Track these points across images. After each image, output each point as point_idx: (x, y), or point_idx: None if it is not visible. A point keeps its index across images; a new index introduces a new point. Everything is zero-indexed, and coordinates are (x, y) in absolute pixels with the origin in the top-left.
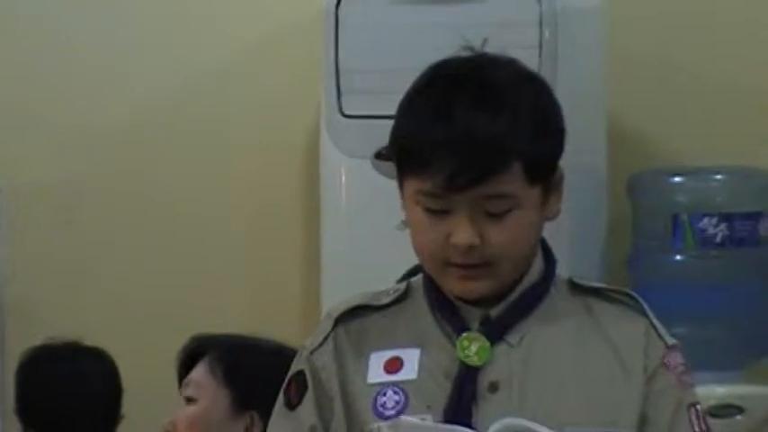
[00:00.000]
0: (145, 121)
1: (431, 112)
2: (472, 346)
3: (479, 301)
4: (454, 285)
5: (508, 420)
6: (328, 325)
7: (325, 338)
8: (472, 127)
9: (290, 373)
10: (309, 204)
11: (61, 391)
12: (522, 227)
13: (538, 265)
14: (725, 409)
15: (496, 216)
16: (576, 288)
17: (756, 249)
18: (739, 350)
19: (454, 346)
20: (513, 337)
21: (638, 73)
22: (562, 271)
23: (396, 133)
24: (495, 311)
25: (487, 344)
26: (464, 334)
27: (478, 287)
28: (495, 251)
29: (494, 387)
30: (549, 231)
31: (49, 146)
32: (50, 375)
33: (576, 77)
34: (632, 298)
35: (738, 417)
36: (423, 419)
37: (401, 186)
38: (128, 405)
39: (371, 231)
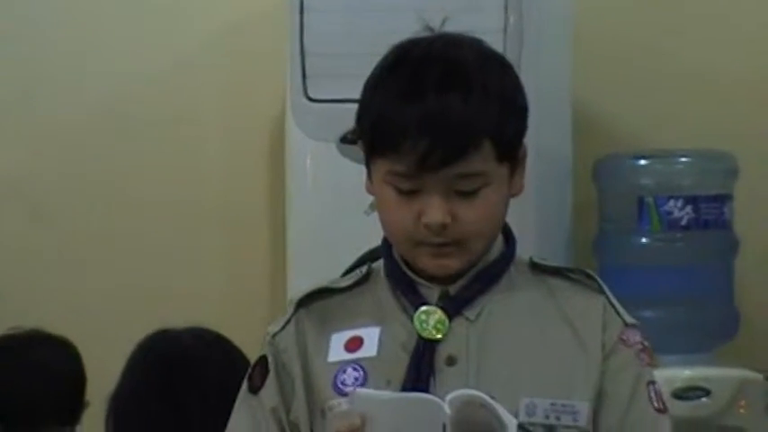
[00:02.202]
0: (111, 112)
1: (401, 92)
2: (430, 320)
3: (445, 278)
4: (426, 263)
5: (463, 392)
6: (290, 309)
7: (287, 321)
8: (443, 107)
9: (254, 360)
10: (275, 188)
11: (24, 379)
12: (492, 204)
13: (498, 243)
14: (691, 392)
15: (467, 194)
16: (535, 267)
17: (722, 232)
18: (705, 333)
19: (413, 321)
20: (471, 312)
21: (603, 57)
22: (528, 254)
23: (364, 114)
24: (453, 288)
25: (445, 317)
26: (422, 308)
27: (450, 264)
28: (466, 229)
29: (451, 360)
30: (515, 214)
31: (16, 139)
32: (13, 364)
33: (541, 61)
34: (590, 277)
35: (704, 399)
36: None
37: (369, 167)
38: (94, 394)
39: (337, 215)
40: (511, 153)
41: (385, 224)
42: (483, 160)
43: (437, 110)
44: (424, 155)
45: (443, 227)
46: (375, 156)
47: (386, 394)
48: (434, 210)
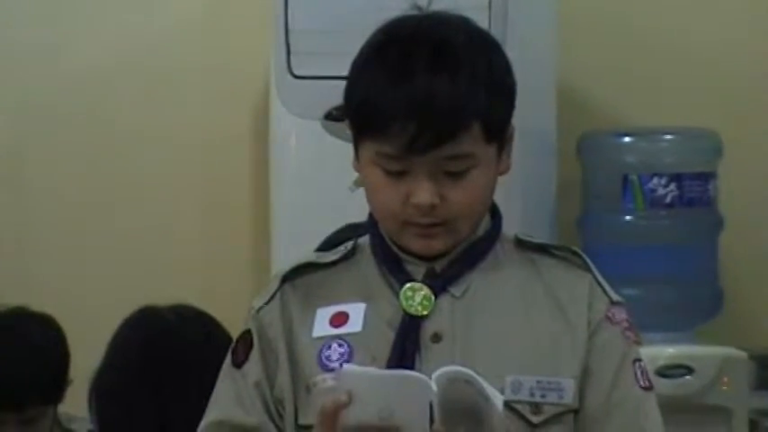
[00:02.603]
0: (90, 88)
1: (389, 74)
2: (416, 296)
3: (431, 256)
4: (413, 243)
5: (449, 368)
6: (275, 283)
7: (272, 296)
8: (432, 89)
9: (238, 334)
10: (259, 165)
11: (8, 357)
12: (480, 185)
13: (484, 220)
14: (675, 370)
15: (455, 175)
16: (521, 244)
17: (706, 210)
18: (689, 311)
19: (398, 297)
20: (456, 289)
21: (587, 34)
22: (513, 231)
23: (352, 96)
24: (439, 265)
25: (431, 294)
26: (408, 284)
27: (437, 244)
28: (454, 210)
29: (437, 337)
30: (500, 193)
31: None
32: None
33: (526, 39)
34: (577, 254)
35: (688, 377)
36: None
37: (357, 147)
38: (76, 370)
39: (322, 192)
40: (499, 134)
41: (372, 204)
42: (472, 142)
43: (426, 92)
44: (412, 137)
45: (432, 207)
46: (363, 137)
47: (373, 371)
48: (423, 191)
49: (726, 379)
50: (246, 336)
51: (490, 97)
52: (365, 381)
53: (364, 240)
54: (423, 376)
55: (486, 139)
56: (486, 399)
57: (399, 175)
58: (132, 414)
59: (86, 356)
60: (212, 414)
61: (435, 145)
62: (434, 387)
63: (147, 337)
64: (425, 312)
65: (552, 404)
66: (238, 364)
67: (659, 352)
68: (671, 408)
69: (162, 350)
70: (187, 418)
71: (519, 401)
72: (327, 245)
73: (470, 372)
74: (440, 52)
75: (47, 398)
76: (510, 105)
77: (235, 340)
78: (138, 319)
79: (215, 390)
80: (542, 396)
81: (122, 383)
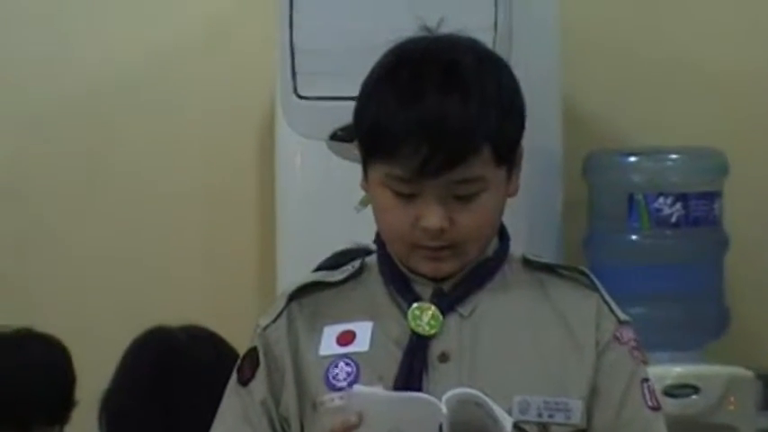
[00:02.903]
0: (94, 101)
1: (399, 96)
2: (423, 316)
3: (441, 278)
4: (421, 266)
5: (459, 390)
6: (282, 301)
7: (279, 314)
8: (443, 112)
9: (244, 352)
10: (265, 185)
11: (14, 378)
12: (490, 208)
13: (493, 240)
14: (681, 389)
15: (465, 198)
16: (529, 264)
17: (712, 229)
18: (695, 330)
19: (406, 317)
20: (464, 309)
21: (593, 53)
22: (520, 251)
23: (362, 117)
24: (447, 284)
25: (439, 314)
26: (415, 304)
27: (445, 267)
28: (463, 233)
29: (444, 357)
30: (507, 212)
31: None
32: (2, 364)
33: (531, 58)
34: (584, 274)
35: (694, 396)
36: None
37: (365, 168)
38: (81, 388)
39: (327, 213)
40: (509, 156)
41: (381, 225)
42: (482, 165)
43: (436, 115)
44: (423, 160)
45: (441, 231)
46: (373, 159)
47: (383, 393)
48: (432, 215)
49: (732, 398)
50: (253, 354)
51: (500, 120)
52: (375, 402)
53: (371, 259)
54: (433, 398)
55: (496, 161)
56: (495, 421)
57: (409, 197)
58: None
59: (89, 374)
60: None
61: (447, 168)
62: (444, 409)
63: (158, 357)
64: (433, 332)
65: (560, 424)
66: (244, 381)
67: (666, 371)
68: (677, 428)
69: (173, 370)
70: None
71: (527, 422)
72: (322, 269)
73: (480, 394)
74: (450, 74)
75: (52, 418)
76: (520, 126)
77: (241, 358)
78: (149, 339)
79: (220, 407)
80: (550, 416)
81: (133, 403)
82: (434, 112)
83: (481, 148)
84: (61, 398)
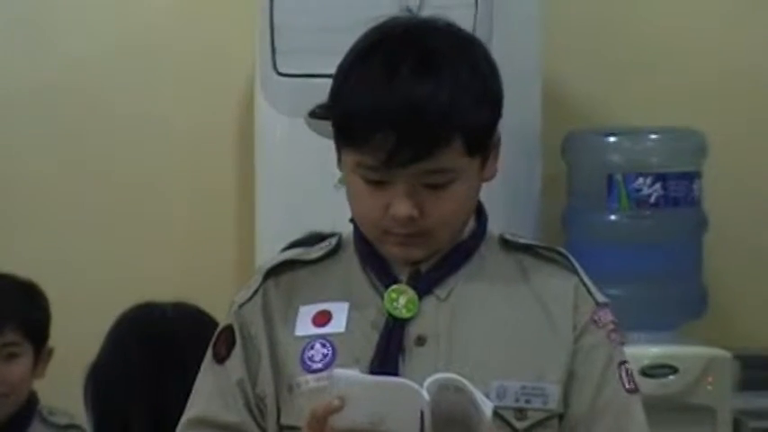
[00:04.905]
0: (76, 82)
1: (369, 88)
2: (400, 299)
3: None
4: (392, 251)
5: (440, 376)
6: (258, 279)
7: (255, 292)
8: (413, 104)
9: (219, 328)
10: (244, 162)
11: None
12: (461, 197)
13: (469, 222)
14: (658, 369)
15: (436, 187)
16: (507, 245)
17: (691, 210)
18: (673, 310)
19: (383, 299)
20: (441, 291)
21: (573, 32)
22: (498, 230)
23: (334, 104)
24: (424, 266)
25: (415, 296)
26: (393, 286)
27: (417, 253)
28: (433, 222)
29: (421, 340)
30: (484, 191)
31: None
32: None
33: (511, 37)
34: (563, 255)
35: (672, 377)
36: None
37: (339, 153)
38: (68, 369)
39: (307, 189)
40: (482, 147)
41: (353, 211)
42: (453, 157)
43: (406, 107)
44: (391, 151)
45: (411, 219)
46: (344, 146)
47: (365, 377)
48: (401, 204)
49: (710, 379)
50: (228, 331)
51: (473, 109)
52: (358, 386)
53: (348, 236)
54: (415, 385)
55: (468, 152)
56: (476, 406)
57: (379, 184)
58: (128, 409)
59: (67, 347)
60: (193, 410)
61: (415, 160)
62: (426, 396)
63: (145, 332)
64: (410, 315)
65: (537, 410)
66: (220, 359)
67: (643, 351)
68: (655, 407)
69: (160, 346)
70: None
71: (504, 407)
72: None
73: (461, 379)
74: (423, 63)
75: (26, 328)
76: (495, 114)
77: (216, 334)
78: (137, 314)
79: (196, 385)
80: (527, 401)
81: (120, 377)
82: (404, 103)
83: (451, 139)
84: (36, 311)
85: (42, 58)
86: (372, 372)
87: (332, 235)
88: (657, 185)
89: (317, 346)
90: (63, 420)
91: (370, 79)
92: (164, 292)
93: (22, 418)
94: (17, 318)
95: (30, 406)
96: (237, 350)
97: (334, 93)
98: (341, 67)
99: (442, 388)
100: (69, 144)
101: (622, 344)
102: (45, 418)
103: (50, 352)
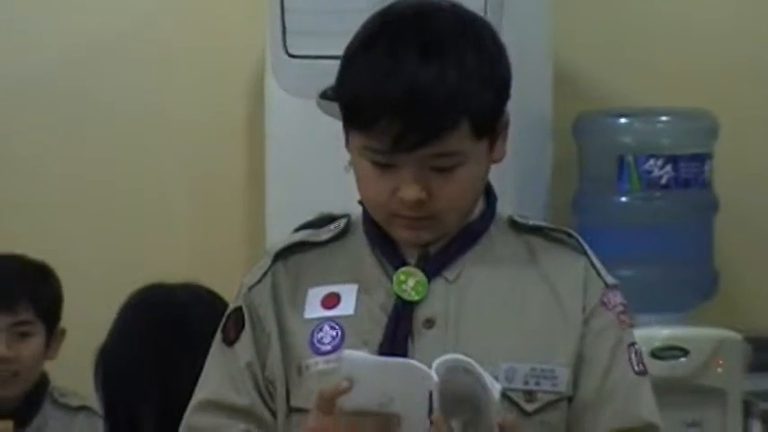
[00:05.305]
0: (82, 65)
1: (376, 71)
2: (409, 281)
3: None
4: (401, 233)
5: (449, 357)
6: (267, 261)
7: (264, 274)
8: (418, 88)
9: (228, 310)
10: (254, 144)
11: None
12: (469, 180)
13: (479, 203)
14: (669, 351)
15: (443, 170)
16: (516, 226)
17: (702, 191)
18: (684, 292)
19: (392, 281)
20: (450, 273)
21: (584, 14)
22: (507, 212)
23: (341, 88)
24: (433, 248)
25: (424, 279)
26: (401, 269)
27: (425, 235)
28: (441, 204)
29: (430, 323)
30: (495, 174)
31: None
32: None
33: (522, 19)
34: (572, 237)
35: (682, 359)
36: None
37: (347, 136)
38: (73, 356)
39: (317, 171)
40: (490, 130)
41: (361, 193)
42: (460, 140)
43: (412, 90)
44: (398, 135)
45: (418, 203)
46: (351, 130)
47: (375, 358)
48: (409, 187)
49: (720, 361)
50: (237, 314)
51: (480, 92)
52: (366, 367)
53: (357, 217)
54: (423, 366)
55: (475, 135)
56: (485, 388)
57: (387, 167)
58: (138, 391)
59: (77, 333)
60: (203, 393)
61: (421, 143)
62: (435, 377)
63: (155, 314)
64: (418, 298)
65: (546, 392)
66: (229, 342)
67: (654, 333)
68: (665, 389)
69: (171, 327)
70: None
71: (513, 389)
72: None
73: (470, 360)
74: (429, 49)
75: (38, 306)
76: (502, 97)
77: (225, 316)
78: (147, 296)
79: (205, 367)
80: (536, 384)
81: (131, 360)
82: (410, 87)
83: (458, 123)
84: (48, 289)
85: (49, 42)
86: (381, 354)
87: (342, 216)
88: (668, 167)
89: (326, 328)
90: (75, 402)
91: (374, 64)
92: (174, 273)
93: (33, 399)
94: (29, 296)
95: (41, 387)
96: (247, 333)
97: (341, 77)
98: (347, 51)
99: (451, 369)
100: (72, 130)
101: (632, 326)
102: (56, 400)
103: (63, 332)
